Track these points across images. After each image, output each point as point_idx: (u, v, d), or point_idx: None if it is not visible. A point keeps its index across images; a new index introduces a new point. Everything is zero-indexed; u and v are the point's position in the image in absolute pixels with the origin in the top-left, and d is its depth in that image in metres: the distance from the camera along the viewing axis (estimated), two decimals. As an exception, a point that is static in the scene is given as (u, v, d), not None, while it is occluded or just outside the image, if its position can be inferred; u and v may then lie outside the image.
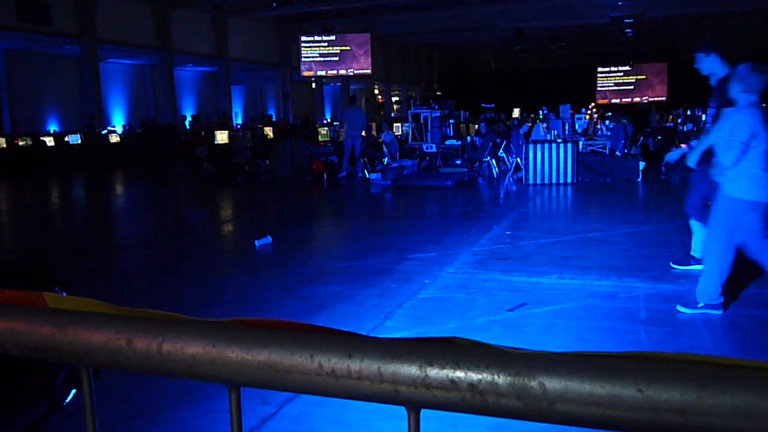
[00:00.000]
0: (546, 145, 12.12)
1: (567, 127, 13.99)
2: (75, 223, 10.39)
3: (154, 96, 24.98)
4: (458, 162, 14.34)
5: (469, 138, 16.07)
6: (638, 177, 12.23)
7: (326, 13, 25.19)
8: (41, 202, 12.95)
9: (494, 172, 13.54)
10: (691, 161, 4.51)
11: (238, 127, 23.08)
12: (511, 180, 12.50)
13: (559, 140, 12.37)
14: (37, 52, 20.56)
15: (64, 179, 16.17)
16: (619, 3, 23.38)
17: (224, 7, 24.33)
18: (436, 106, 16.59)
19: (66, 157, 17.58)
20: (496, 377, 0.56)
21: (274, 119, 27.81)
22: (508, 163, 13.44)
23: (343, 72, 25.46)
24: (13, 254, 7.54)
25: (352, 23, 25.83)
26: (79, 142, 18.30)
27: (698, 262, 5.12)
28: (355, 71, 25.36)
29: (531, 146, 12.17)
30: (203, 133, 19.30)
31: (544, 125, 13.77)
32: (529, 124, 16.95)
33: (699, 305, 4.33)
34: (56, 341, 0.70)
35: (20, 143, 17.18)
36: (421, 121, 16.04)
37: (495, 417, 0.57)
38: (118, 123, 23.04)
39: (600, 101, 28.57)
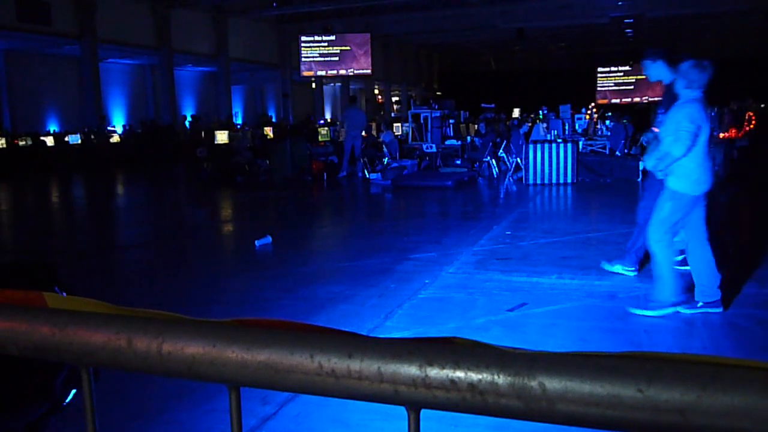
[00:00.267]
0: (546, 145, 12.12)
1: (567, 127, 13.98)
2: (75, 223, 10.39)
3: (154, 96, 24.98)
4: (458, 162, 14.34)
5: (469, 138, 16.07)
6: (638, 177, 12.23)
7: (326, 13, 25.19)
8: (41, 202, 12.95)
9: (494, 172, 13.54)
10: (649, 165, 4.52)
11: (238, 127, 23.10)
12: (511, 180, 12.50)
13: (559, 140, 12.37)
14: (37, 52, 20.56)
15: (64, 179, 16.17)
16: (619, 3, 23.38)
17: (224, 7, 24.33)
18: (436, 106, 16.59)
19: (66, 157, 17.58)
20: (496, 377, 0.56)
21: (273, 119, 27.83)
22: (508, 163, 13.44)
23: (343, 72, 25.46)
24: (13, 254, 7.54)
25: (352, 23, 25.83)
26: (79, 142, 18.31)
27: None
28: (355, 71, 25.36)
29: (531, 146, 12.17)
30: (203, 133, 19.31)
31: (544, 125, 13.77)
32: (529, 124, 16.95)
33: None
34: (56, 341, 0.70)
35: (20, 143, 17.18)
36: (421, 121, 16.04)
37: (495, 417, 0.57)
38: (118, 123, 23.05)
39: (600, 101, 28.56)
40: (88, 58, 19.89)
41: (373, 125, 18.52)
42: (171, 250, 7.62)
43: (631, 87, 29.33)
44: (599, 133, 16.02)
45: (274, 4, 23.55)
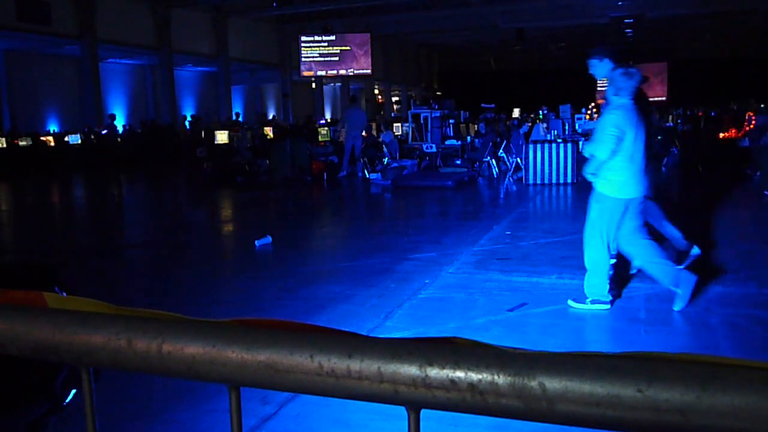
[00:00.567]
0: (546, 145, 12.12)
1: (567, 127, 13.98)
2: (75, 223, 10.39)
3: (154, 96, 24.98)
4: (458, 162, 14.34)
5: (469, 138, 16.07)
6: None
7: (326, 13, 25.19)
8: (41, 202, 12.95)
9: (494, 172, 13.54)
10: (587, 170, 4.58)
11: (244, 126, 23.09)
12: (511, 180, 12.49)
13: (559, 140, 12.37)
14: (37, 52, 20.55)
15: (64, 179, 16.17)
16: (619, 3, 23.38)
17: (224, 7, 24.33)
18: (436, 106, 16.59)
19: (66, 157, 17.58)
20: (496, 377, 0.56)
21: (272, 119, 27.82)
22: (508, 163, 13.44)
23: (343, 72, 25.46)
24: (13, 254, 7.54)
25: (352, 23, 25.82)
26: (79, 142, 18.31)
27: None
28: (355, 71, 25.36)
29: (531, 146, 12.17)
30: (203, 133, 19.31)
31: (544, 125, 13.77)
32: (529, 124, 16.94)
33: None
34: (56, 341, 0.70)
35: (20, 143, 17.18)
36: (421, 121, 16.03)
37: (495, 417, 0.57)
38: (118, 123, 23.04)
39: (600, 101, 28.52)
40: (88, 58, 19.89)
41: (373, 125, 18.50)
42: (171, 250, 7.62)
43: (631, 87, 29.30)
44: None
45: (274, 4, 23.54)
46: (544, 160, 12.01)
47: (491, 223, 8.03)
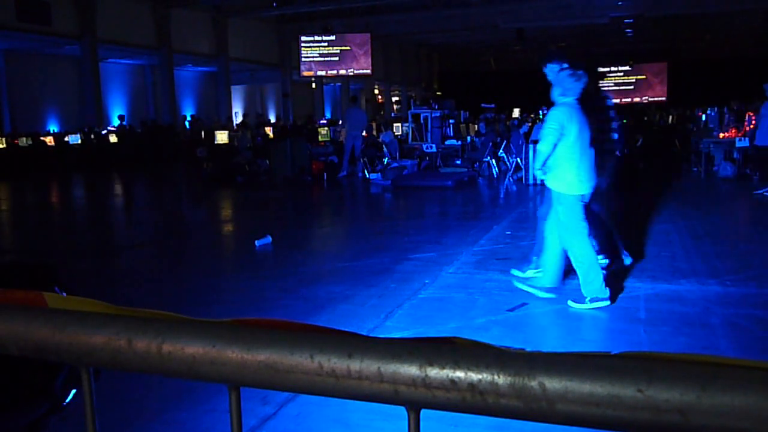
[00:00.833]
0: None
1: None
2: (75, 223, 10.39)
3: (154, 96, 24.97)
4: (458, 162, 14.33)
5: (469, 138, 16.06)
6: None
7: (326, 13, 25.18)
8: (41, 202, 12.95)
9: (494, 172, 13.54)
10: (537, 168, 4.71)
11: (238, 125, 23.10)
12: (511, 180, 12.49)
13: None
14: (37, 52, 20.55)
15: (64, 179, 16.17)
16: (619, 3, 23.37)
17: (224, 7, 24.32)
18: (436, 106, 16.58)
19: (66, 157, 17.58)
20: (496, 377, 0.56)
21: (272, 120, 27.82)
22: (508, 163, 13.43)
23: (343, 72, 25.45)
24: (13, 254, 7.54)
25: (352, 23, 25.82)
26: (79, 142, 18.31)
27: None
28: (355, 71, 25.35)
29: (531, 146, 12.16)
30: (203, 133, 19.33)
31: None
32: (529, 124, 16.94)
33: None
34: (56, 341, 0.70)
35: (20, 143, 17.17)
36: (421, 121, 16.03)
37: (495, 417, 0.57)
38: (118, 123, 23.03)
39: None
40: (88, 58, 19.88)
41: (373, 125, 18.50)
42: (171, 250, 7.62)
43: (631, 87, 29.35)
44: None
45: (274, 4, 23.52)
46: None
47: (491, 223, 8.03)
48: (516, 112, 25.50)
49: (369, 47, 24.99)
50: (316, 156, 14.38)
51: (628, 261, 5.56)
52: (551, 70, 4.96)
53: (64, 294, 1.62)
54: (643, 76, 29.36)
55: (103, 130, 19.93)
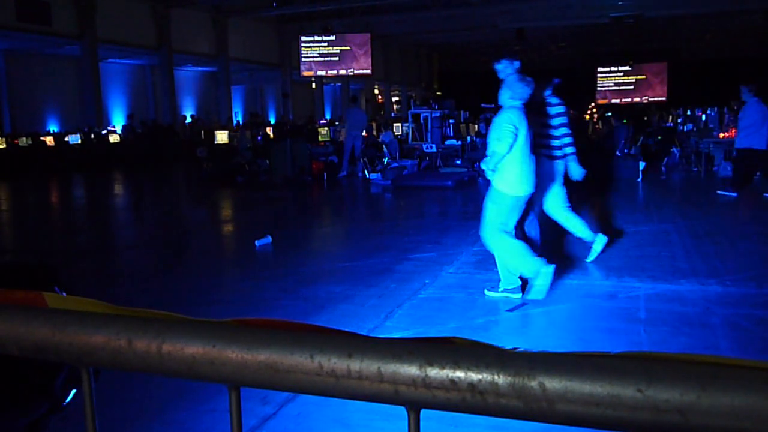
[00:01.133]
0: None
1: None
2: (75, 223, 10.39)
3: (154, 96, 24.97)
4: (458, 162, 14.33)
5: (469, 138, 16.05)
6: (638, 177, 12.23)
7: (326, 13, 25.17)
8: (41, 202, 12.95)
9: (494, 172, 13.50)
10: (487, 167, 4.84)
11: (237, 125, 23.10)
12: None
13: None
14: (37, 52, 20.54)
15: (64, 179, 16.17)
16: (619, 3, 23.36)
17: (224, 7, 24.32)
18: (436, 106, 16.58)
19: (66, 157, 17.58)
20: (496, 377, 0.56)
21: (273, 120, 27.82)
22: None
23: (343, 72, 25.44)
24: (13, 254, 7.54)
25: (352, 23, 25.81)
26: (79, 142, 18.31)
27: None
28: (355, 71, 25.34)
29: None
30: (203, 133, 19.34)
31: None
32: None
33: (500, 289, 4.83)
34: (56, 341, 0.70)
35: (20, 143, 17.17)
36: (421, 121, 16.03)
37: (495, 417, 0.57)
38: (117, 123, 23.04)
39: (600, 101, 28.58)
40: (88, 58, 19.88)
41: (373, 125, 18.49)
42: (171, 250, 7.62)
43: (631, 87, 29.34)
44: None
45: (274, 4, 23.51)
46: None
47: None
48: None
49: (369, 47, 24.98)
50: (316, 156, 14.38)
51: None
52: (504, 68, 5.12)
53: (64, 294, 1.62)
54: (643, 76, 29.35)
55: (103, 130, 19.93)
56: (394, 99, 37.37)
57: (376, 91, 35.03)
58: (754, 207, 9.55)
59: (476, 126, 18.45)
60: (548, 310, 4.60)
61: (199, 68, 26.76)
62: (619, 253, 6.24)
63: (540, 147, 5.33)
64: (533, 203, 5.21)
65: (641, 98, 29.05)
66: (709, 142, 13.03)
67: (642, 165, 12.45)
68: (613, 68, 29.49)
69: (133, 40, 21.53)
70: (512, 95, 4.74)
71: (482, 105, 21.65)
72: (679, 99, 26.51)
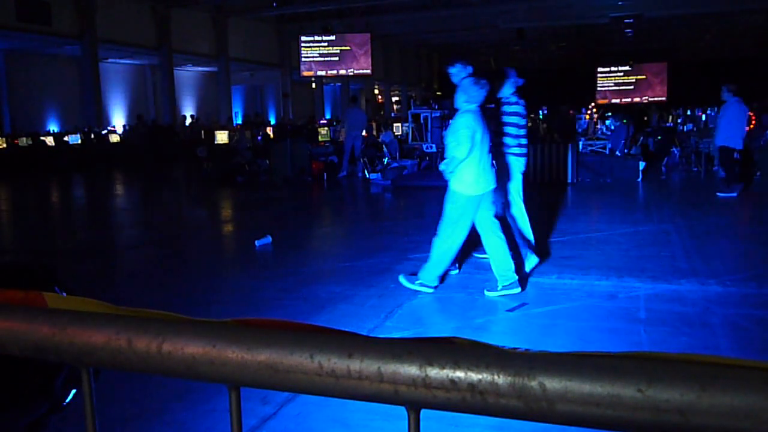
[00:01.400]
0: (546, 145, 12.11)
1: (567, 127, 13.96)
2: (75, 223, 10.39)
3: (154, 96, 24.98)
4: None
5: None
6: (638, 177, 12.23)
7: (326, 13, 25.17)
8: (41, 202, 12.95)
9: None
10: (447, 170, 4.99)
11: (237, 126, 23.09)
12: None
13: (559, 140, 12.36)
14: (37, 52, 20.55)
15: (64, 179, 16.17)
16: (619, 3, 23.37)
17: (224, 7, 24.32)
18: (436, 106, 16.57)
19: (66, 157, 17.59)
20: (496, 377, 0.56)
21: (272, 120, 27.82)
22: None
23: (343, 72, 25.44)
24: (13, 254, 7.54)
25: (352, 23, 25.81)
26: (79, 142, 18.32)
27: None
28: (355, 71, 25.33)
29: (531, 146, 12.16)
30: (203, 133, 19.35)
31: (544, 126, 13.76)
32: (529, 125, 16.93)
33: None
34: (56, 341, 0.70)
35: (20, 143, 17.17)
36: (421, 121, 16.02)
37: (495, 417, 0.57)
38: (117, 123, 23.05)
39: (600, 101, 28.55)
40: (88, 58, 19.88)
41: (373, 125, 18.49)
42: (171, 251, 7.62)
43: (631, 87, 29.33)
44: (599, 133, 16.02)
45: (274, 4, 23.51)
46: (544, 160, 12.00)
47: (491, 223, 8.01)
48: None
49: (369, 47, 24.97)
50: (316, 156, 14.38)
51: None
52: (458, 72, 5.22)
53: (64, 294, 1.62)
54: (643, 76, 29.34)
55: (104, 130, 19.93)
56: (394, 99, 37.37)
57: (376, 91, 35.03)
58: (754, 207, 9.56)
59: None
60: (548, 310, 4.60)
61: (199, 68, 26.77)
62: (619, 253, 6.25)
63: (501, 145, 5.58)
64: (499, 201, 5.37)
65: (641, 98, 29.04)
66: (709, 142, 13.02)
67: (642, 165, 12.45)
68: (613, 68, 29.48)
69: (133, 40, 21.53)
70: (468, 98, 4.85)
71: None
72: (679, 99, 26.52)
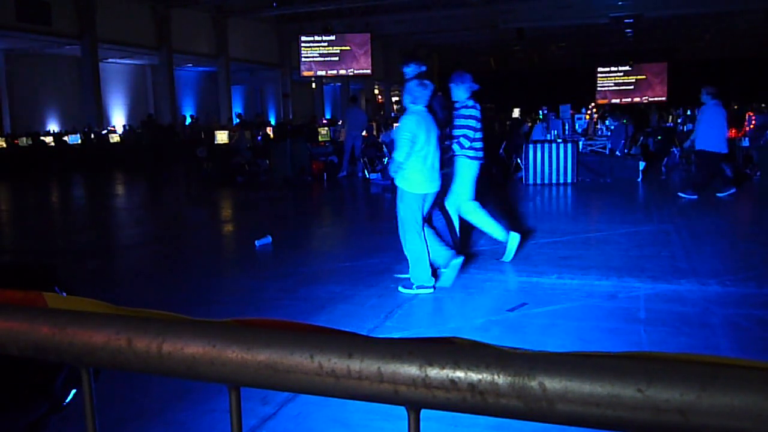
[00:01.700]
0: (546, 145, 12.12)
1: (567, 127, 13.97)
2: (75, 223, 10.39)
3: (154, 96, 24.98)
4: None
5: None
6: (638, 177, 12.23)
7: (326, 13, 25.18)
8: (41, 202, 12.95)
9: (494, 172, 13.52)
10: (393, 172, 5.11)
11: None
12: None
13: (559, 140, 12.37)
14: (37, 52, 20.55)
15: (64, 179, 16.17)
16: (619, 3, 23.37)
17: (224, 7, 24.32)
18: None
19: (66, 157, 17.59)
20: (496, 377, 0.56)
21: (272, 120, 27.82)
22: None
23: (343, 72, 25.44)
24: (13, 254, 7.54)
25: (352, 23, 25.82)
26: (79, 142, 18.32)
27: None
28: (355, 71, 25.33)
29: (531, 146, 12.17)
30: (203, 133, 19.35)
31: (544, 125, 13.77)
32: (529, 124, 16.94)
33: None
34: (56, 341, 0.70)
35: (20, 143, 17.17)
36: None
37: (495, 417, 0.57)
38: (117, 124, 23.05)
39: (600, 101, 28.54)
40: (88, 58, 19.89)
41: (373, 125, 18.49)
42: (171, 251, 7.61)
43: (631, 87, 29.33)
44: (599, 133, 16.02)
45: (274, 4, 23.52)
46: (544, 160, 12.01)
47: (491, 223, 8.01)
48: (516, 112, 25.49)
49: (369, 47, 24.98)
50: (316, 156, 14.38)
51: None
52: (412, 71, 5.35)
53: (64, 294, 1.62)
54: (643, 76, 29.34)
55: (104, 130, 19.93)
56: (394, 99, 37.37)
57: (376, 91, 35.03)
58: (753, 207, 9.56)
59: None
60: (548, 310, 4.60)
61: (199, 68, 26.77)
62: (619, 253, 6.25)
63: (459, 147, 5.67)
64: (438, 198, 5.46)
65: (641, 98, 29.05)
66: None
67: (642, 165, 12.45)
68: (613, 68, 29.48)
69: (133, 40, 21.54)
70: (413, 99, 4.96)
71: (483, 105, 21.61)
72: (679, 99, 26.50)
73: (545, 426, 0.64)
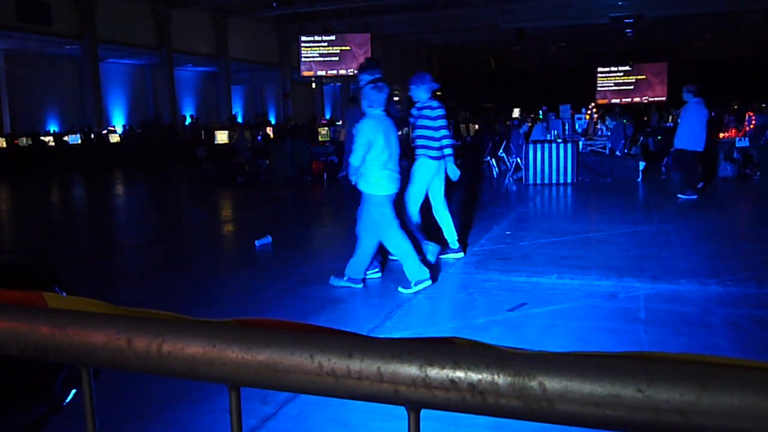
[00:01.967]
0: (546, 145, 12.12)
1: (567, 127, 13.97)
2: (75, 222, 10.39)
3: (154, 96, 24.98)
4: (459, 162, 14.30)
5: (468, 138, 16.05)
6: (638, 177, 12.23)
7: (326, 13, 25.18)
8: (41, 202, 12.95)
9: (494, 172, 13.53)
10: (351, 176, 5.22)
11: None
12: (511, 180, 12.49)
13: (559, 140, 12.37)
14: (37, 52, 20.54)
15: (64, 179, 16.17)
16: (619, 3, 23.37)
17: (224, 7, 24.32)
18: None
19: (66, 157, 17.59)
20: (496, 377, 0.56)
21: (272, 120, 27.82)
22: (508, 163, 13.43)
23: (343, 72, 25.44)
24: (13, 254, 7.54)
25: (352, 23, 25.81)
26: (79, 142, 18.32)
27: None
28: (355, 71, 25.33)
29: (531, 146, 12.17)
30: (203, 133, 19.35)
31: (544, 125, 13.77)
32: (529, 124, 16.94)
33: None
34: (56, 341, 0.70)
35: (20, 143, 17.17)
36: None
37: (495, 417, 0.57)
38: (117, 123, 23.03)
39: (600, 101, 28.54)
40: (88, 58, 19.89)
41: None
42: (171, 250, 7.61)
43: (631, 87, 29.33)
44: (599, 133, 16.02)
45: (274, 4, 23.52)
46: (544, 160, 12.01)
47: (491, 223, 8.03)
48: (516, 112, 25.49)
49: (369, 47, 24.97)
50: (316, 156, 14.38)
51: (433, 248, 5.87)
52: (366, 78, 5.43)
53: (64, 294, 1.62)
54: (643, 76, 29.33)
55: (103, 130, 19.92)
56: (394, 99, 37.36)
57: (376, 91, 34.97)
58: (754, 207, 9.55)
59: (476, 126, 18.43)
60: (548, 310, 4.60)
61: (199, 68, 26.76)
62: (619, 253, 6.25)
63: (419, 147, 5.79)
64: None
65: (641, 98, 29.04)
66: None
67: (642, 165, 12.45)
68: (613, 68, 29.47)
69: (133, 40, 21.53)
70: (370, 103, 5.01)
71: (483, 105, 21.64)
72: (679, 99, 26.51)
73: (545, 426, 0.64)
